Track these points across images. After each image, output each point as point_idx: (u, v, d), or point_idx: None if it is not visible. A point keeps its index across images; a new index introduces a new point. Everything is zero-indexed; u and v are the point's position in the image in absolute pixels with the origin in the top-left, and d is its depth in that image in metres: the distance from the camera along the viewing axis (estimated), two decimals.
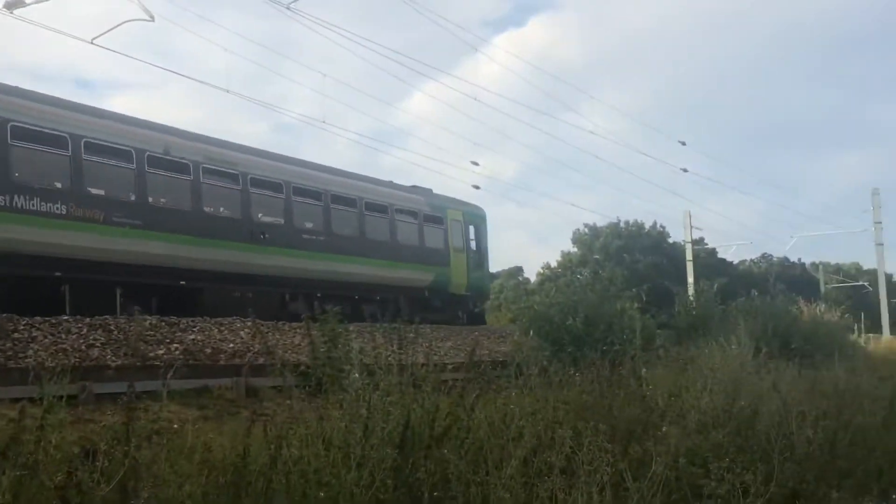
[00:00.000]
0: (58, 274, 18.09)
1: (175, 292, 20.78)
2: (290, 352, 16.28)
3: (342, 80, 48.36)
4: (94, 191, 19.41)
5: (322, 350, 13.03)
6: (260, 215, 23.75)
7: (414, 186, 31.29)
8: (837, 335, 30.32)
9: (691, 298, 31.91)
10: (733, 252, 78.13)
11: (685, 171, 55.17)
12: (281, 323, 19.71)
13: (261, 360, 14.79)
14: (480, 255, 32.98)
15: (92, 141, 19.34)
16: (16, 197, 17.53)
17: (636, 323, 20.73)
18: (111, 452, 6.43)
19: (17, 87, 18.90)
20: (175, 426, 6.79)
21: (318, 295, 24.55)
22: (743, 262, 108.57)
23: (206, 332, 17.34)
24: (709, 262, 76.92)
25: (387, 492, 6.96)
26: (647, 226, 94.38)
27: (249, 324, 18.17)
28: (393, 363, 10.97)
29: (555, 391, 12.39)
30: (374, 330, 14.50)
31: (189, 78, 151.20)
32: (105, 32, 20.70)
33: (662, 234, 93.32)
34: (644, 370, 15.65)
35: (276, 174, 24.41)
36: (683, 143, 56.32)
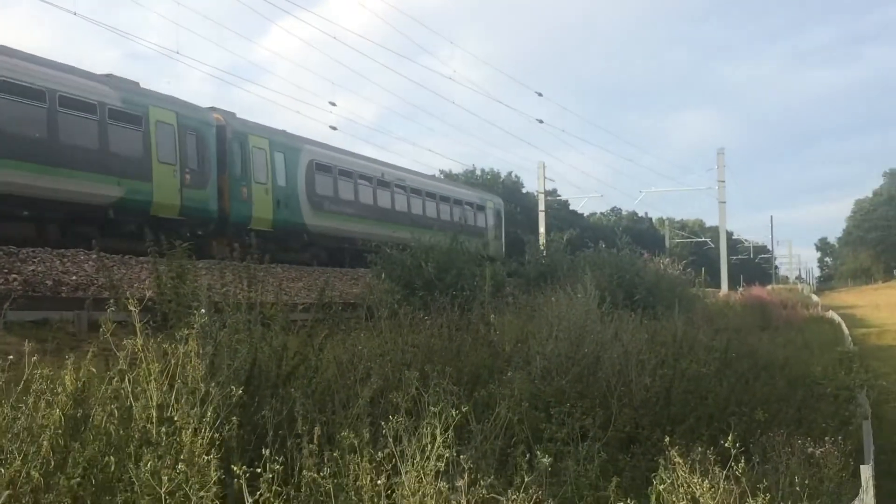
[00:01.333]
0: None
1: None
2: (137, 287, 15.90)
3: (198, 10, 46.80)
4: None
5: (168, 285, 12.77)
6: None
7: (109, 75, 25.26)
8: (679, 288, 31.47)
9: (542, 248, 32.57)
10: (584, 204, 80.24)
11: (541, 122, 56.31)
12: (128, 257, 19.20)
13: (105, 295, 14.41)
14: (205, 172, 26.84)
15: None
16: None
17: (486, 269, 21.07)
18: None
19: None
20: (10, 357, 6.54)
21: None
22: (593, 214, 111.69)
23: (48, 264, 16.79)
24: (560, 213, 78.75)
25: (231, 429, 6.90)
26: (503, 175, 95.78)
27: (94, 256, 17.64)
28: (242, 301, 10.87)
29: (403, 334, 12.50)
30: (225, 267, 14.25)
31: None
32: None
33: (517, 184, 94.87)
34: (493, 316, 15.93)
35: None
36: (540, 94, 57.04)
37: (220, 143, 27.26)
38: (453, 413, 7.12)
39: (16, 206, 20.26)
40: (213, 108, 28.09)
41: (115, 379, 6.91)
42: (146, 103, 24.67)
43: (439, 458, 6.66)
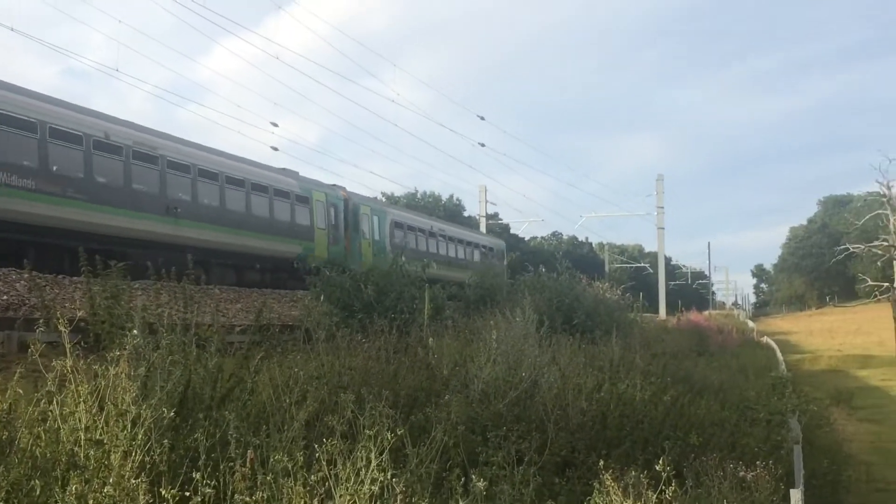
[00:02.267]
0: None
1: None
2: (69, 307, 15.62)
3: (138, 28, 46.40)
4: None
5: (102, 306, 12.58)
6: None
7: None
8: (617, 313, 31.72)
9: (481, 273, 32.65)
10: (525, 228, 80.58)
11: (482, 145, 56.70)
12: (61, 277, 18.89)
13: (36, 315, 14.13)
14: (339, 232, 36.45)
15: None
16: None
17: (426, 293, 21.06)
18: None
19: None
20: None
21: None
22: (534, 238, 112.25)
23: None
24: (501, 237, 78.73)
25: (163, 452, 6.80)
26: (444, 198, 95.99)
27: (26, 276, 17.31)
28: (177, 322, 10.74)
29: (341, 356, 12.44)
30: (160, 288, 14.08)
31: None
32: None
33: (458, 207, 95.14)
34: (431, 339, 15.92)
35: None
36: (482, 118, 57.47)
37: (346, 212, 37.05)
38: (388, 436, 7.09)
39: (252, 260, 30.56)
40: (337, 186, 37.59)
41: (43, 401, 6.77)
42: (310, 188, 34.52)
43: (373, 481, 6.62)
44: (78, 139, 22.78)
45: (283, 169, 34.35)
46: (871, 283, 61.04)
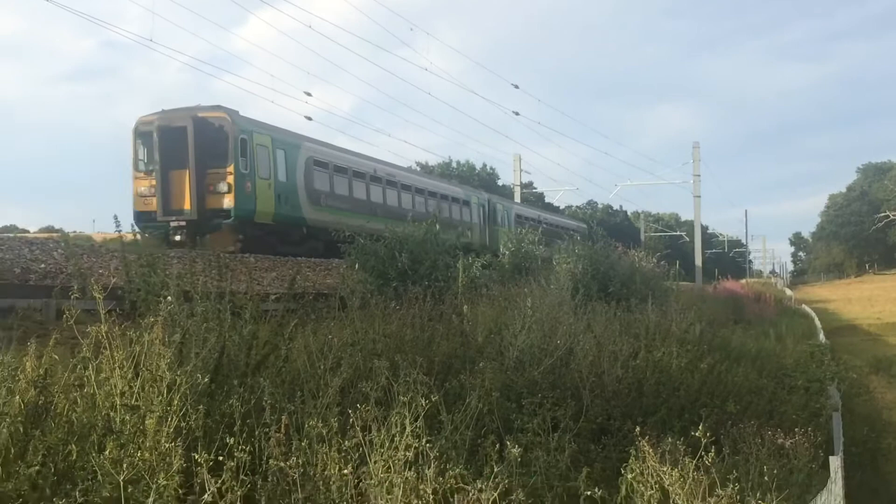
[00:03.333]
0: None
1: None
2: (105, 275, 15.73)
3: (175, 0, 46.25)
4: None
5: (138, 274, 12.63)
6: None
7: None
8: (653, 281, 31.51)
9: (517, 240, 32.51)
10: (560, 197, 79.76)
11: (517, 114, 56.04)
12: (98, 245, 19.04)
13: (73, 283, 14.23)
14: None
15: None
16: None
17: (460, 261, 21.00)
18: None
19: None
20: None
21: None
22: (569, 207, 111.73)
23: (16, 252, 16.59)
24: (536, 205, 78.42)
25: (198, 417, 6.82)
26: (478, 167, 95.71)
27: (63, 245, 17.45)
28: (212, 290, 10.75)
29: (375, 324, 12.43)
30: (195, 257, 14.13)
31: None
32: None
33: (492, 176, 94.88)
34: (465, 307, 15.88)
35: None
36: (516, 87, 57.04)
37: (488, 209, 46.28)
38: (423, 403, 7.07)
39: None
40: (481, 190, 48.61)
41: (79, 366, 6.80)
42: (470, 194, 45.17)
43: (408, 447, 6.61)
44: (362, 175, 33.42)
45: (450, 179, 41.38)
46: None
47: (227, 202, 25.85)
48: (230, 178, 25.60)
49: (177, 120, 25.53)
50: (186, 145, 25.06)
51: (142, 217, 25.35)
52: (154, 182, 25.50)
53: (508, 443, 7.59)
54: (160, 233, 25.37)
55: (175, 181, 25.45)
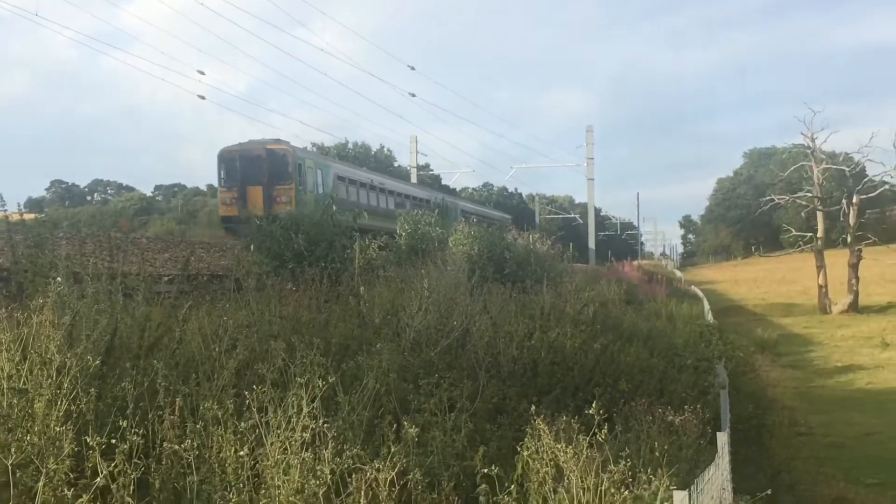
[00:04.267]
0: None
1: None
2: None
3: None
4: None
5: (25, 255, 12.29)
6: None
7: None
8: (547, 263, 31.91)
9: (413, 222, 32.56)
10: (456, 179, 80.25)
11: (413, 95, 56.12)
12: None
13: None
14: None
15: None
16: None
17: (356, 242, 20.95)
18: None
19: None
20: None
21: None
22: (465, 189, 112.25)
23: None
24: (433, 187, 78.58)
25: (89, 400, 6.68)
26: (374, 149, 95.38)
27: None
28: (103, 271, 10.54)
29: (271, 305, 12.34)
30: (85, 237, 13.80)
31: None
32: None
33: (389, 158, 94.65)
34: (362, 288, 15.86)
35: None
36: (412, 68, 56.72)
37: (446, 208, 48.97)
38: (320, 384, 7.05)
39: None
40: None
41: None
42: (444, 197, 54.13)
43: (305, 428, 6.59)
44: (364, 185, 41.49)
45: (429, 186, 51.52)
46: (795, 233, 61.97)
47: (289, 209, 33.02)
48: (291, 192, 34.35)
49: (254, 150, 34.29)
50: (262, 169, 33.79)
51: (224, 219, 34.15)
52: (235, 194, 33.75)
53: (405, 423, 7.63)
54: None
55: (251, 194, 33.80)
